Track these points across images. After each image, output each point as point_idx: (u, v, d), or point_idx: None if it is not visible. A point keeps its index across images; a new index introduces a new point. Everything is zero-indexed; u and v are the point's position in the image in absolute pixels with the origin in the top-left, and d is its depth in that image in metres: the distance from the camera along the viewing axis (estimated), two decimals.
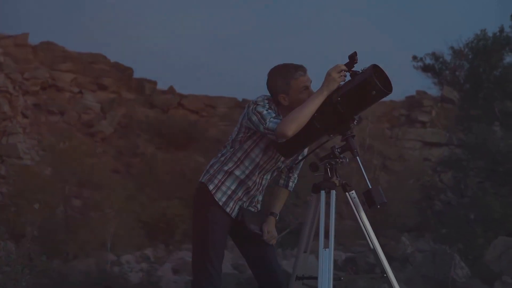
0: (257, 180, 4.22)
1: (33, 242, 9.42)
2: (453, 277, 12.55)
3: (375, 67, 3.72)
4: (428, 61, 30.55)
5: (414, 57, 30.59)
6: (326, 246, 3.59)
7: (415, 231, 23.12)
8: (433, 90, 31.98)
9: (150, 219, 19.99)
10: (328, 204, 3.73)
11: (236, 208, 4.23)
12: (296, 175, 4.38)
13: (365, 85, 3.69)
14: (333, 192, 3.75)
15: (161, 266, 14.55)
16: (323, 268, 3.56)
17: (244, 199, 4.24)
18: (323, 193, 3.76)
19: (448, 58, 29.65)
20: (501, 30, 25.78)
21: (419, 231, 23.03)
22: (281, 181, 4.37)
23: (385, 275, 3.85)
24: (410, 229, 22.83)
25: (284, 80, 4.10)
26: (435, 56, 30.33)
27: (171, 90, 31.18)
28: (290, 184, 4.37)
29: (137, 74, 31.09)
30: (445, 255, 13.21)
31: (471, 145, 23.12)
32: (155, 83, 30.99)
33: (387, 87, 3.71)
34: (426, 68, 30.63)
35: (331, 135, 3.91)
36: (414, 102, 31.66)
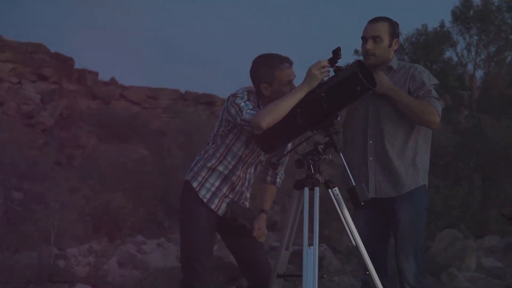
0: (241, 175, 4.16)
1: None
2: None
3: (359, 63, 3.70)
4: None
5: (356, 51, 30.84)
6: (311, 243, 3.56)
7: None
8: None
9: (94, 212, 19.70)
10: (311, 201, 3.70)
11: (223, 206, 4.16)
12: (282, 171, 4.33)
13: (350, 81, 3.66)
14: (317, 189, 3.71)
15: (108, 260, 14.34)
16: (308, 266, 3.53)
17: (230, 195, 4.17)
18: (306, 190, 3.72)
19: None
20: (442, 25, 26.18)
21: None
22: (269, 178, 4.33)
23: (367, 272, 3.82)
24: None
25: (269, 69, 4.05)
26: None
27: (113, 81, 30.88)
28: (278, 180, 4.32)
29: (78, 65, 30.71)
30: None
31: None
32: (96, 74, 30.64)
33: (371, 83, 3.69)
34: None
35: (314, 131, 3.87)
36: None
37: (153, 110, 30.06)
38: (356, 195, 3.66)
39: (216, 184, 4.16)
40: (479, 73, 26.91)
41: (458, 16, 25.71)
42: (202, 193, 4.15)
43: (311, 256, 3.54)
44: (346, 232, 3.92)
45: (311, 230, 3.59)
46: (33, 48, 29.25)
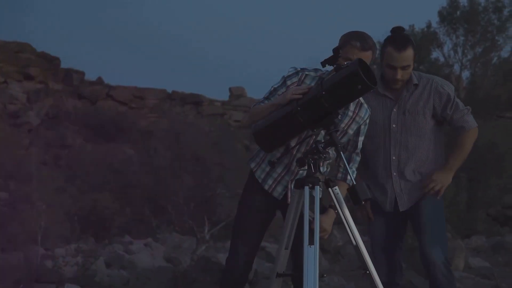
0: (295, 153, 4.10)
1: None
2: None
3: (360, 61, 3.67)
4: None
5: None
6: (311, 243, 3.53)
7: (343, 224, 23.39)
8: None
9: (81, 212, 19.64)
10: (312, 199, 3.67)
11: (279, 188, 4.15)
12: (354, 168, 4.22)
13: (350, 79, 3.64)
14: (317, 188, 3.68)
15: (96, 260, 14.27)
16: (309, 265, 3.50)
17: (286, 177, 4.14)
18: (306, 188, 3.69)
19: (376, 52, 30.06)
20: (429, 26, 26.21)
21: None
22: (339, 175, 4.24)
23: (367, 272, 3.80)
24: (340, 222, 23.07)
25: (344, 40, 4.10)
26: None
27: (99, 81, 30.81)
28: (348, 177, 4.21)
29: (64, 64, 30.60)
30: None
31: None
32: (83, 73, 30.55)
33: (371, 81, 3.67)
34: None
35: (315, 130, 3.85)
36: None
37: (140, 110, 30.04)
38: (356, 194, 3.64)
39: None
40: (465, 74, 26.97)
41: (445, 17, 25.76)
42: (258, 173, 4.19)
43: (312, 255, 3.51)
44: (346, 231, 3.90)
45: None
46: (19, 48, 29.12)
